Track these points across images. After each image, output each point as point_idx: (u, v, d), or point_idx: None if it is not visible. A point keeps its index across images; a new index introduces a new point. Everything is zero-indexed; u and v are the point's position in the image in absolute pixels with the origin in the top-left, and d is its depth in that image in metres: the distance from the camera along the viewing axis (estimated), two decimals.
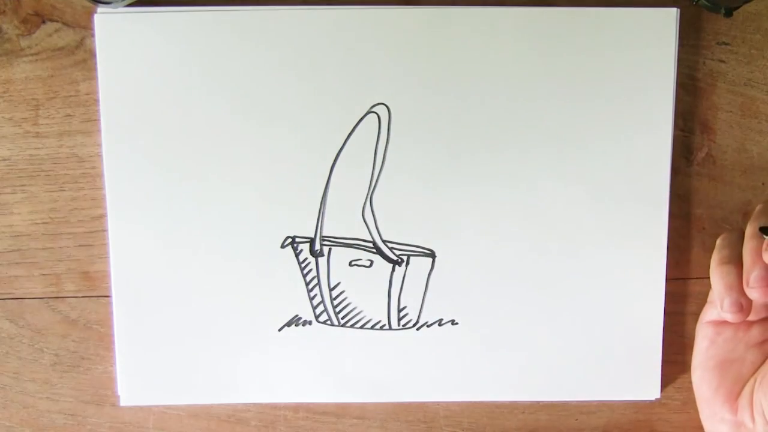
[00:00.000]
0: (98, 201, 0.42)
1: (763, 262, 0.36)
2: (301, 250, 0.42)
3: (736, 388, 0.40)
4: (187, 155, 0.41)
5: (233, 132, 0.41)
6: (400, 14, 0.41)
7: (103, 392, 0.43)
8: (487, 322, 0.43)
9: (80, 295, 0.43)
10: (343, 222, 0.42)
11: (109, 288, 0.42)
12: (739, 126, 0.43)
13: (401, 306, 0.43)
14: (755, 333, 0.40)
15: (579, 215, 0.42)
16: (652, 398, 0.43)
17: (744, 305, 0.37)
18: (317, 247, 0.42)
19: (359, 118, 0.41)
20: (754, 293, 0.36)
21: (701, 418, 0.41)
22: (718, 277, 0.38)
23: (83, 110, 0.42)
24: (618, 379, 0.43)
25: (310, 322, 0.42)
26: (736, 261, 0.38)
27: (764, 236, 0.36)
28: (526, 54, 0.41)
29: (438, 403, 0.44)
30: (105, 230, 0.42)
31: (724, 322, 0.40)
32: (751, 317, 0.39)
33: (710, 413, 0.41)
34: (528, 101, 0.41)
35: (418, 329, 0.43)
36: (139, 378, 0.42)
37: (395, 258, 0.42)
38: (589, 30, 0.41)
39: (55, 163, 0.42)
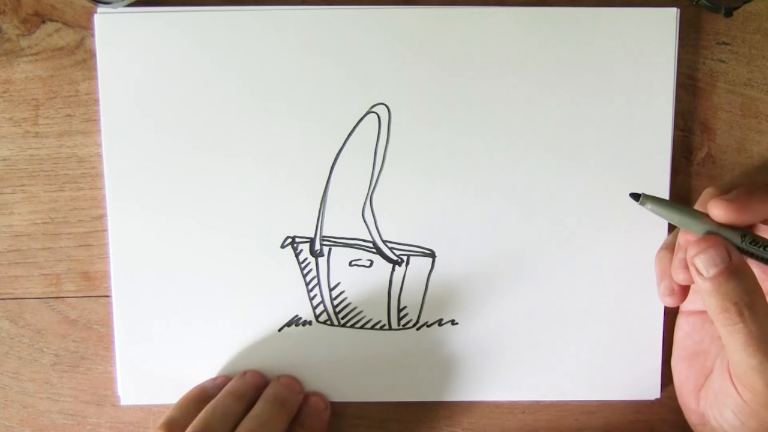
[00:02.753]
0: (98, 201, 0.42)
1: (686, 246, 0.37)
2: (301, 250, 0.42)
3: (700, 380, 0.40)
4: (186, 155, 0.41)
5: (233, 132, 0.41)
6: (400, 14, 0.41)
7: (103, 392, 0.43)
8: (487, 322, 0.43)
9: (80, 295, 0.43)
10: (343, 222, 0.42)
11: (109, 288, 0.42)
12: (739, 126, 0.43)
13: (401, 306, 0.43)
14: None
15: (579, 215, 0.42)
16: (652, 398, 0.43)
17: (676, 290, 0.38)
18: (317, 247, 0.42)
19: (359, 118, 0.41)
20: (677, 275, 0.37)
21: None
22: (655, 263, 0.41)
23: (83, 110, 0.42)
24: (618, 379, 0.43)
25: (310, 322, 0.42)
26: (672, 248, 0.39)
27: (635, 201, 0.37)
28: (526, 54, 0.41)
29: (438, 403, 0.44)
30: (105, 230, 0.42)
31: (695, 313, 0.41)
32: None
33: (681, 402, 0.41)
34: (528, 101, 0.41)
35: (418, 329, 0.43)
36: (139, 378, 0.42)
37: (395, 258, 0.42)
38: (589, 30, 0.41)
39: (55, 163, 0.42)
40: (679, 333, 0.42)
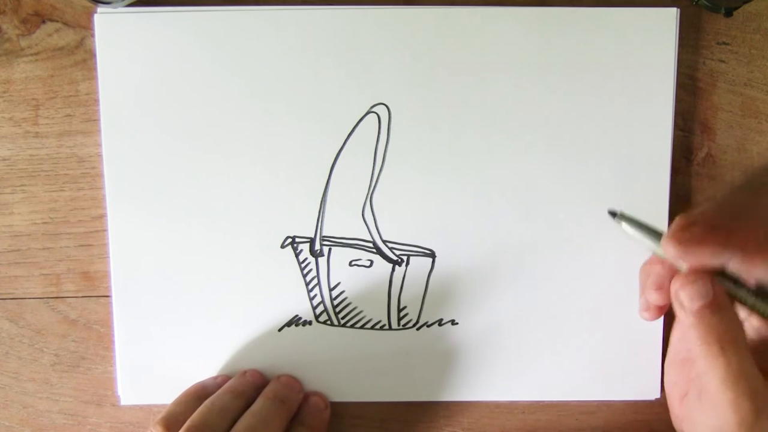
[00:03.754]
0: (98, 201, 0.42)
1: (659, 265, 0.37)
2: (301, 250, 0.42)
3: (685, 388, 0.40)
4: (186, 155, 0.41)
5: (233, 132, 0.41)
6: (400, 14, 0.41)
7: (103, 392, 0.43)
8: (487, 322, 0.43)
9: (80, 295, 0.43)
10: (343, 222, 0.42)
11: (109, 288, 0.42)
12: (739, 126, 0.43)
13: (401, 306, 0.43)
14: None
15: (579, 215, 0.42)
16: (652, 398, 0.43)
17: (651, 307, 0.39)
18: (317, 247, 0.42)
19: (359, 118, 0.41)
20: (649, 295, 0.38)
21: None
22: (639, 278, 0.40)
23: (83, 110, 0.42)
24: (618, 379, 0.43)
25: (310, 322, 0.42)
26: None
27: (612, 217, 0.38)
28: (526, 54, 0.41)
29: (438, 403, 0.44)
30: (105, 230, 0.42)
31: None
32: None
33: (669, 406, 0.41)
34: (528, 102, 0.41)
35: (418, 329, 0.43)
36: (139, 378, 0.42)
37: (395, 258, 0.42)
38: (590, 30, 0.41)
39: (55, 163, 0.42)
40: (673, 337, 0.41)
